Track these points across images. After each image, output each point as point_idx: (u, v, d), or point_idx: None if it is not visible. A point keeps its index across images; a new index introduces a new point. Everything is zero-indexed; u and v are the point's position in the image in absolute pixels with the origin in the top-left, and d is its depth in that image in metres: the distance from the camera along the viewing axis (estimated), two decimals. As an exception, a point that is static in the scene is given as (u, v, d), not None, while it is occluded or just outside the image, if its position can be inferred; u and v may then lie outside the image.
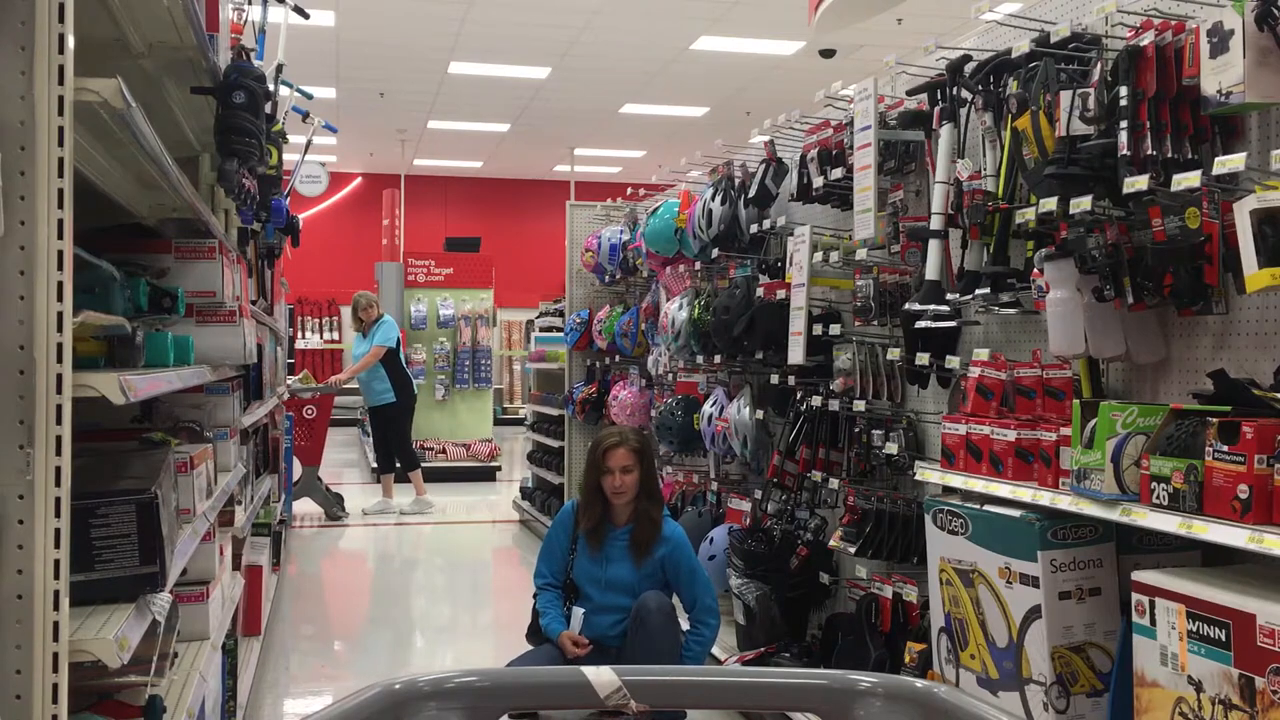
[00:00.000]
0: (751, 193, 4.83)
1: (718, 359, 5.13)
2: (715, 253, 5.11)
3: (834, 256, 4.09)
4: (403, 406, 9.15)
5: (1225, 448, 2.22)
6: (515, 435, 14.52)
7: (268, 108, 3.13)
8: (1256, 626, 2.10)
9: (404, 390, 9.10)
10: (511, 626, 6.23)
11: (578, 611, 4.14)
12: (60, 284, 1.66)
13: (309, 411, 9.08)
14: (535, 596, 4.25)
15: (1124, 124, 2.58)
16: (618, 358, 7.07)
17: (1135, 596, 2.41)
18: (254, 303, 4.41)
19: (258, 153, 2.93)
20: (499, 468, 11.64)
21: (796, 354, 4.18)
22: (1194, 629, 2.24)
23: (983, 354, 3.17)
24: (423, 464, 9.83)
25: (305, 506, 9.16)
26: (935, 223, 3.35)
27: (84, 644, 1.77)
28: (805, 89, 4.93)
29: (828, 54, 11.42)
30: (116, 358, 2.22)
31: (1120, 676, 2.57)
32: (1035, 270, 2.95)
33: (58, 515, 1.67)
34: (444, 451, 11.42)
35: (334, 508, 9.02)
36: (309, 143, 7.76)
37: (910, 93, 3.65)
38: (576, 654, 4.04)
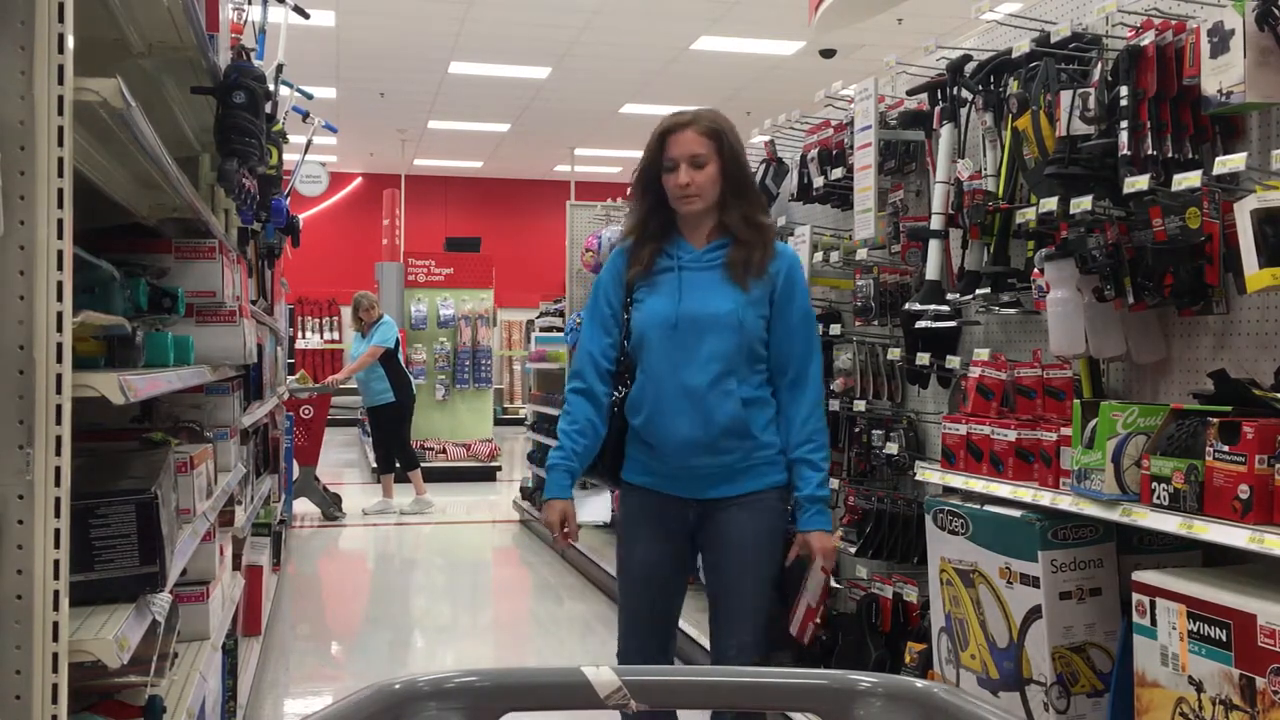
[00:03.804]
0: (752, 193, 4.82)
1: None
2: (715, 253, 5.09)
3: (834, 256, 4.09)
4: (402, 406, 9.15)
5: (1226, 448, 2.22)
6: (515, 435, 14.52)
7: (268, 108, 3.13)
8: (1257, 627, 2.10)
9: (403, 390, 9.11)
10: (511, 627, 6.25)
11: (594, 502, 3.01)
12: (60, 284, 1.66)
13: (306, 411, 9.08)
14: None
15: (1124, 124, 2.58)
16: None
17: (1136, 596, 2.41)
18: (254, 303, 4.40)
19: (258, 153, 2.93)
20: (499, 468, 11.65)
21: (797, 354, 4.17)
22: (1195, 629, 2.24)
23: (983, 354, 3.17)
24: (423, 464, 9.83)
25: (304, 506, 9.16)
26: (935, 223, 3.35)
27: (84, 644, 1.76)
28: (805, 89, 4.93)
29: (828, 54, 11.42)
30: (116, 358, 2.22)
31: (1121, 677, 2.57)
32: (1035, 270, 2.95)
33: (57, 515, 1.66)
34: (444, 451, 11.42)
35: (331, 508, 9.02)
36: (309, 143, 7.76)
37: (910, 93, 3.65)
38: (564, 544, 2.82)
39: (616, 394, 2.75)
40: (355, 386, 9.52)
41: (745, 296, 2.67)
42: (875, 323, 3.80)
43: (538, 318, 10.85)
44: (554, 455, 2.74)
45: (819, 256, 4.13)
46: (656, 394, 2.68)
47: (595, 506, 2.97)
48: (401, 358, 9.35)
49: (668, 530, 2.76)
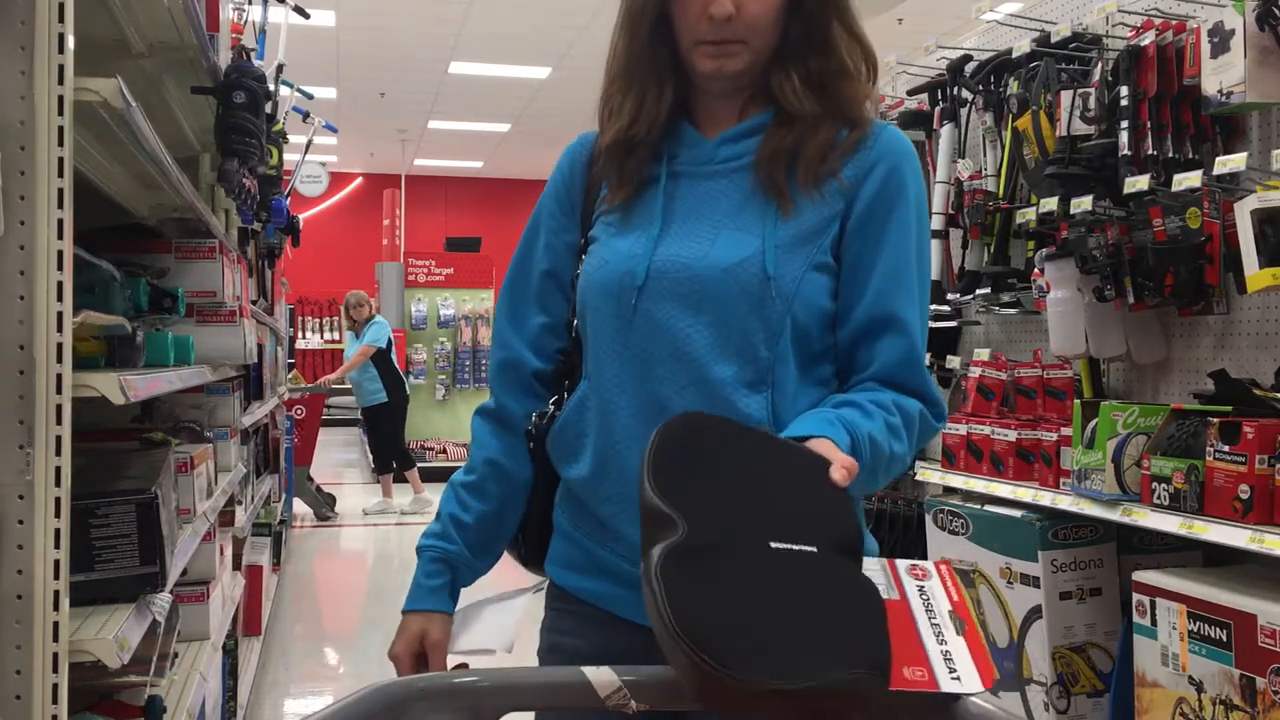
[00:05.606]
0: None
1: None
2: (715, 253, 5.08)
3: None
4: (395, 406, 9.14)
5: (1226, 448, 2.22)
6: (515, 435, 14.47)
7: (268, 108, 3.13)
8: (1257, 627, 2.10)
9: (396, 390, 9.10)
10: (512, 626, 6.24)
11: (489, 617, 1.51)
12: (60, 284, 1.66)
13: (299, 412, 9.06)
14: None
15: (1125, 124, 2.59)
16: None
17: (1136, 597, 2.41)
18: (254, 303, 4.40)
19: (258, 153, 2.93)
20: (499, 468, 11.60)
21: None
22: (1195, 629, 2.24)
23: (983, 354, 3.17)
24: (423, 464, 9.82)
25: (304, 507, 9.17)
26: (935, 223, 3.35)
27: (84, 644, 1.76)
28: (805, 89, 4.93)
29: (828, 54, 11.42)
30: (116, 358, 2.22)
31: (1121, 677, 2.57)
32: (1036, 270, 2.95)
33: (58, 515, 1.66)
34: (444, 451, 11.42)
35: (323, 508, 9.02)
36: (309, 143, 7.77)
37: (910, 93, 3.65)
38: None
39: (546, 410, 1.46)
40: (349, 386, 9.52)
41: (785, 229, 1.32)
42: (875, 323, 3.80)
43: (537, 318, 10.83)
44: (426, 531, 1.59)
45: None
46: (605, 421, 1.36)
47: (493, 623, 1.47)
48: (395, 357, 9.34)
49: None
